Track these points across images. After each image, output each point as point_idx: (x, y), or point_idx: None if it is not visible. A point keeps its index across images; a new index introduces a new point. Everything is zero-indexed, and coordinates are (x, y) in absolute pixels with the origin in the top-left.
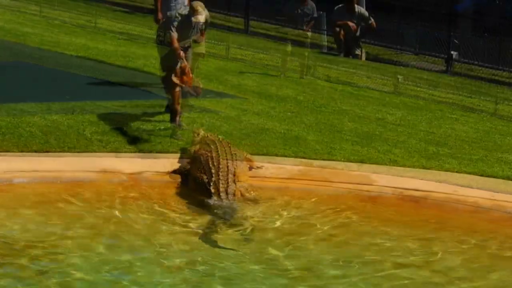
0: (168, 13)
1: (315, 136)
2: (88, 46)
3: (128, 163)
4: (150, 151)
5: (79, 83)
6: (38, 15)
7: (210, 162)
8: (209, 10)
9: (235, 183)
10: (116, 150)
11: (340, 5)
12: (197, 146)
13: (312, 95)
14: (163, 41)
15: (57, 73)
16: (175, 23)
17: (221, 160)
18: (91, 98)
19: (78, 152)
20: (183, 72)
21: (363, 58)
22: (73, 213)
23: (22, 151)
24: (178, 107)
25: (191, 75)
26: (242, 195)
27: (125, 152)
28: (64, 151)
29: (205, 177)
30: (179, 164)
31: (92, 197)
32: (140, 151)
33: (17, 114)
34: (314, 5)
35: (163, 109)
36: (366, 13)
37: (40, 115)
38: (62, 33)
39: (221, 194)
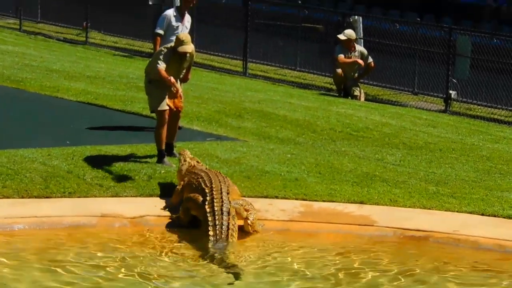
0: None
1: (315, 178)
2: (87, 91)
3: (129, 207)
4: (151, 195)
5: (79, 128)
6: (38, 61)
7: (203, 184)
8: (208, 53)
9: (229, 201)
10: (117, 195)
11: (339, 45)
12: (186, 178)
13: (311, 136)
14: (151, 80)
15: (57, 118)
16: (162, 56)
17: (213, 181)
18: (91, 142)
19: (79, 197)
20: (174, 96)
21: (362, 98)
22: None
23: (22, 197)
24: (163, 148)
25: (182, 99)
26: (237, 213)
27: (126, 196)
28: (64, 196)
29: (200, 198)
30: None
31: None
32: (141, 195)
33: (17, 160)
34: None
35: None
36: (366, 52)
37: (40, 160)
38: (62, 78)
39: (216, 215)
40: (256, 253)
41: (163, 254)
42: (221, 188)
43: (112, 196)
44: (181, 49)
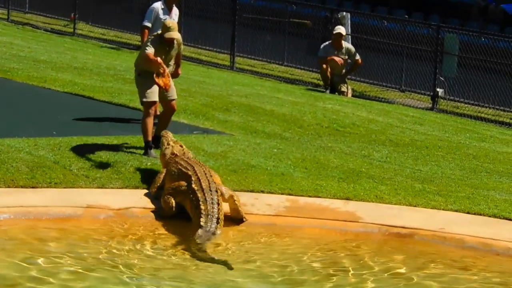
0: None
1: (301, 173)
2: (74, 82)
3: (115, 199)
4: (137, 187)
5: (66, 119)
6: (25, 52)
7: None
8: (195, 47)
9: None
10: (102, 186)
11: (326, 43)
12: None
13: (298, 132)
14: (140, 73)
15: (44, 109)
16: (149, 43)
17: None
18: (78, 133)
19: (65, 187)
20: (162, 75)
21: (349, 95)
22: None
23: (8, 186)
24: (150, 140)
25: (169, 78)
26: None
27: (112, 188)
28: (50, 186)
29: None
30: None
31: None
32: (127, 186)
33: (3, 150)
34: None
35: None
36: (353, 49)
37: (27, 150)
38: (49, 68)
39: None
40: (241, 247)
41: (148, 245)
42: (205, 172)
43: (98, 187)
44: (168, 35)
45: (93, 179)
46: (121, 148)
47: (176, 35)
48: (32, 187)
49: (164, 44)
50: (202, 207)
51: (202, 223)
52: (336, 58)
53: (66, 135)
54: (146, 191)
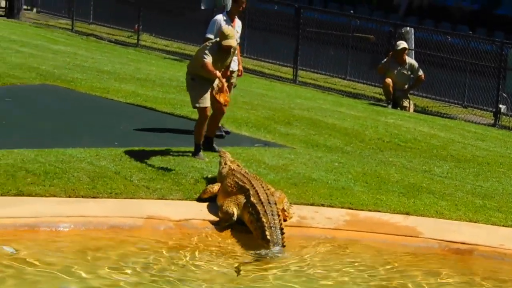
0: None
1: (362, 187)
2: (137, 93)
3: (175, 210)
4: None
5: (128, 130)
6: (89, 62)
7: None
8: (258, 59)
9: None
10: (163, 197)
11: (388, 57)
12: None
13: (359, 146)
14: (194, 77)
15: (106, 119)
16: (207, 51)
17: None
18: (139, 144)
19: (125, 198)
20: (221, 90)
21: (411, 110)
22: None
23: (69, 196)
24: (201, 143)
25: (228, 93)
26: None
27: (172, 199)
28: (111, 196)
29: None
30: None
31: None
32: (187, 198)
33: (65, 159)
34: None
35: (211, 156)
36: (416, 65)
37: (88, 161)
38: (112, 79)
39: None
40: (303, 260)
41: (208, 257)
42: (262, 185)
43: (158, 199)
44: (226, 42)
45: (153, 190)
46: (182, 160)
47: (234, 43)
48: (93, 197)
49: (221, 52)
50: (264, 219)
51: (268, 237)
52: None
53: (127, 146)
54: (206, 203)
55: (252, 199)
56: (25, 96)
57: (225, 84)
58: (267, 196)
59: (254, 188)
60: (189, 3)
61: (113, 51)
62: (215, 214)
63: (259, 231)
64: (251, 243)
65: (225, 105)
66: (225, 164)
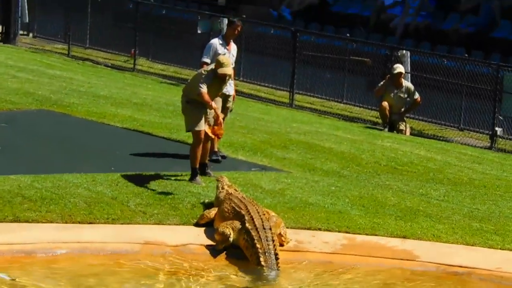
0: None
1: (359, 211)
2: (133, 118)
3: (172, 235)
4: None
5: (124, 155)
6: (85, 87)
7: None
8: (255, 83)
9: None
10: (160, 222)
11: (385, 80)
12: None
13: (356, 169)
14: (189, 100)
15: (103, 144)
16: (203, 79)
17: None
18: (136, 169)
19: (122, 223)
20: (215, 123)
21: (408, 133)
22: None
23: (66, 222)
24: (197, 167)
25: (222, 126)
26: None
27: (169, 224)
28: (108, 222)
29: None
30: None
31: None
32: (184, 223)
33: (62, 185)
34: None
35: (208, 181)
36: (412, 88)
37: (85, 186)
38: (108, 104)
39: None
40: (300, 284)
41: (205, 283)
42: (258, 211)
43: (156, 224)
44: (221, 71)
45: (150, 215)
46: (179, 185)
47: (229, 71)
48: (90, 223)
49: (217, 79)
50: (258, 245)
51: (262, 262)
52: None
53: (124, 171)
54: (203, 228)
55: (247, 225)
56: (21, 121)
57: (221, 117)
58: (262, 222)
59: (250, 213)
60: (185, 27)
61: (109, 75)
62: (212, 239)
63: (254, 256)
64: (247, 268)
65: (218, 137)
66: (223, 188)
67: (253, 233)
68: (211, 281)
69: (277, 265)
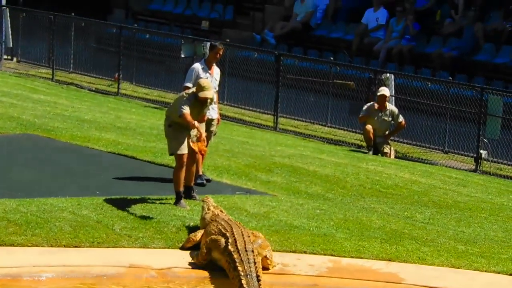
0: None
1: (344, 234)
2: (117, 142)
3: (157, 258)
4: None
5: (109, 178)
6: (69, 111)
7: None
8: (239, 107)
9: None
10: (145, 246)
11: (370, 103)
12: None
13: (341, 192)
14: (171, 124)
15: (87, 168)
16: (184, 101)
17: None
18: (121, 193)
19: (107, 247)
20: (198, 140)
21: (392, 156)
22: None
23: (51, 246)
24: (181, 190)
25: (205, 143)
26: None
27: (154, 247)
28: (93, 246)
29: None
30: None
31: None
32: (169, 246)
33: (47, 209)
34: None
35: (192, 204)
36: (397, 111)
37: (70, 210)
38: (92, 128)
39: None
40: None
41: None
42: (242, 233)
43: (141, 247)
44: (202, 94)
45: (135, 239)
46: (163, 208)
47: (210, 94)
48: (75, 247)
49: (198, 103)
50: (240, 268)
51: (244, 285)
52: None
53: (109, 195)
54: (188, 251)
55: (229, 247)
56: (6, 146)
57: (203, 134)
58: (245, 244)
59: (234, 235)
60: (169, 51)
61: (93, 99)
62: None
63: (236, 279)
64: None
65: (202, 154)
66: (208, 209)
67: (235, 255)
68: None
69: (259, 287)
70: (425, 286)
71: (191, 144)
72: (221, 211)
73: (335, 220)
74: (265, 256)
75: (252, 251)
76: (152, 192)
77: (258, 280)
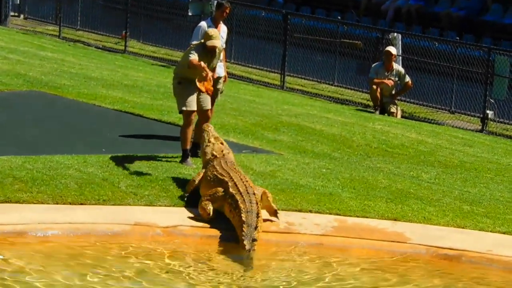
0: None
1: (350, 193)
2: (124, 99)
3: (163, 216)
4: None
5: (115, 136)
6: (76, 68)
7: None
8: (246, 65)
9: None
10: (151, 204)
11: (377, 63)
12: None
13: (347, 152)
14: (180, 81)
15: (94, 126)
16: (193, 50)
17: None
18: (127, 151)
19: (113, 205)
20: (204, 79)
21: (399, 116)
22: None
23: (57, 203)
24: (188, 148)
25: (212, 82)
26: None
27: (160, 205)
28: (99, 203)
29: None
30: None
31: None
32: (175, 204)
33: (53, 166)
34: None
35: (199, 163)
36: (403, 71)
37: (76, 167)
38: (99, 85)
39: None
40: (289, 266)
41: (194, 264)
42: (241, 178)
43: (146, 205)
44: (210, 43)
45: (141, 197)
46: (169, 166)
47: (218, 43)
48: (81, 204)
49: (206, 52)
50: (241, 206)
51: (243, 218)
52: (387, 81)
53: (115, 153)
54: (194, 208)
55: (231, 190)
56: (12, 102)
57: (210, 74)
58: (246, 187)
59: (233, 180)
60: (176, 10)
61: (100, 57)
62: (202, 220)
63: (237, 216)
64: (235, 250)
65: (208, 94)
66: (209, 141)
67: (237, 197)
68: (194, 261)
69: (257, 222)
70: (431, 246)
71: (197, 84)
72: (221, 143)
73: (341, 179)
74: (266, 196)
75: (254, 193)
76: (159, 150)
77: (258, 216)
